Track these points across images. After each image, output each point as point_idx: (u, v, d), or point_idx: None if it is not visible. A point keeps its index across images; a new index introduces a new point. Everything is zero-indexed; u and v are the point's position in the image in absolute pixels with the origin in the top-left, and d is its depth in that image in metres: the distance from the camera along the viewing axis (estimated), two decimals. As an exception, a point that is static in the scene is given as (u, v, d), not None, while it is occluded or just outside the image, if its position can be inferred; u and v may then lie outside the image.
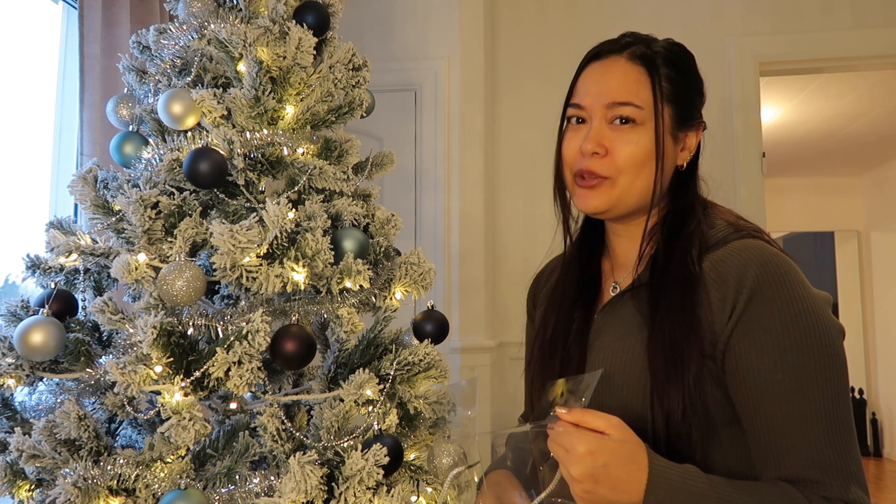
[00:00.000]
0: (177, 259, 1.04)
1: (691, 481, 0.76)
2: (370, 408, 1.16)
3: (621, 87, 0.90)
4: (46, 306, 1.12)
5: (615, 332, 0.93)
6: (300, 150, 1.28)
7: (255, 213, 1.13)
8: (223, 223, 1.05)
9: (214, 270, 1.06)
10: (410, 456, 1.30)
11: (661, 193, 0.92)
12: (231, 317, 1.13)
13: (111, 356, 1.13)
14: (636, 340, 0.89)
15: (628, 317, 0.92)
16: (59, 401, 1.17)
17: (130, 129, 1.30)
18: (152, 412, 1.08)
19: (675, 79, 0.91)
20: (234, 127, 1.22)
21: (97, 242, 1.24)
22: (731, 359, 0.83)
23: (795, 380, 0.79)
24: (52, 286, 1.19)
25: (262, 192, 1.27)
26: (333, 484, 1.06)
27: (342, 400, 1.15)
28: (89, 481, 1.00)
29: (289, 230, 1.08)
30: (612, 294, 0.98)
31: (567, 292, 1.03)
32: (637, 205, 0.92)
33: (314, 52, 1.26)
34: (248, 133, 1.22)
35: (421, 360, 1.20)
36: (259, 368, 1.02)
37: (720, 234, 0.90)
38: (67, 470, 1.02)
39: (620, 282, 0.98)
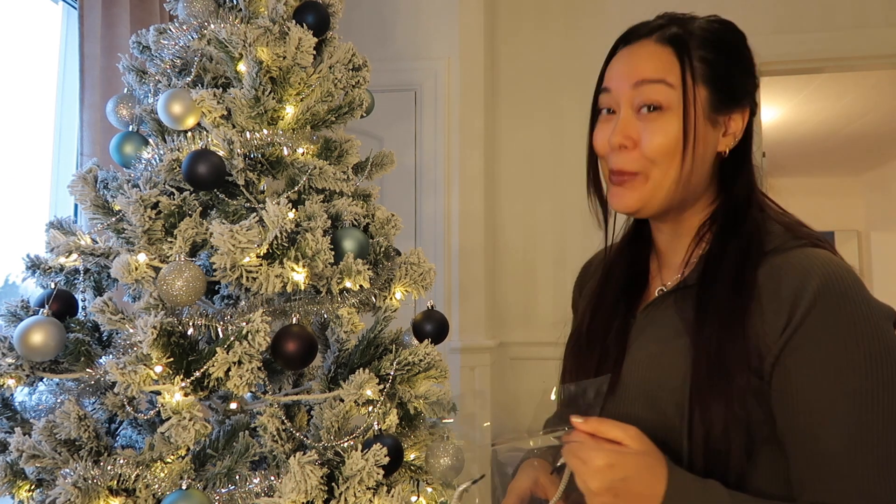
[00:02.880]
0: (177, 259, 1.04)
1: (712, 497, 0.72)
2: (370, 408, 1.16)
3: (649, 65, 0.83)
4: (46, 306, 1.12)
5: (656, 334, 0.87)
6: (300, 150, 1.28)
7: (255, 213, 1.13)
8: (223, 223, 1.05)
9: (214, 270, 1.06)
10: (410, 456, 1.30)
11: (697, 184, 0.85)
12: (231, 317, 1.13)
13: (111, 356, 1.13)
14: (676, 346, 0.82)
15: (670, 320, 0.86)
16: (59, 401, 1.17)
17: (130, 129, 1.31)
18: (152, 412, 1.08)
19: (711, 59, 0.83)
20: (234, 127, 1.22)
21: (97, 242, 1.24)
22: (780, 375, 0.75)
23: (853, 404, 0.72)
24: (52, 286, 1.19)
25: (262, 192, 1.27)
26: (333, 484, 1.06)
27: (342, 400, 1.15)
28: (89, 481, 1.00)
29: (289, 230, 1.08)
30: (658, 293, 0.91)
31: (611, 287, 0.96)
32: (674, 199, 0.85)
33: (314, 52, 1.26)
34: (248, 133, 1.22)
35: (421, 360, 1.20)
36: (259, 368, 1.02)
37: (779, 239, 0.82)
38: (67, 470, 1.02)
39: (668, 284, 0.91)
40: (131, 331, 1.07)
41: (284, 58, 1.22)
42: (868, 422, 0.72)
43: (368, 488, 1.05)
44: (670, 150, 0.81)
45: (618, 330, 0.91)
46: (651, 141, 0.81)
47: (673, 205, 0.85)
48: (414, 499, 1.30)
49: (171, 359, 1.00)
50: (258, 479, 1.08)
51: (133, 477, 1.04)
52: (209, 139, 1.19)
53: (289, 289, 1.08)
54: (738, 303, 0.78)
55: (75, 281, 1.26)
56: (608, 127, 0.86)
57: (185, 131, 1.22)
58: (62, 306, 1.19)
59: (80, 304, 1.23)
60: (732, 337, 0.77)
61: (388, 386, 1.18)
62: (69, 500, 0.97)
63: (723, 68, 0.84)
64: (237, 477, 1.08)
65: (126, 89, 1.38)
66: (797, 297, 0.74)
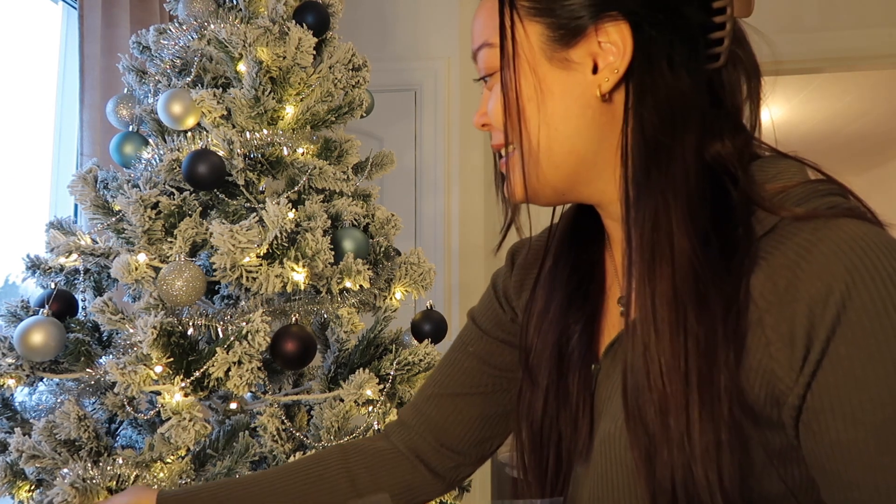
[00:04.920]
0: (177, 259, 1.04)
1: None
2: (370, 408, 1.16)
3: (476, 31, 0.66)
4: (46, 306, 1.12)
5: (618, 389, 0.60)
6: (300, 150, 1.28)
7: (255, 213, 1.13)
8: (223, 223, 1.05)
9: (214, 270, 1.06)
10: (410, 456, 1.30)
11: (582, 149, 0.59)
12: (231, 317, 1.13)
13: (111, 356, 1.13)
14: None
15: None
16: (59, 401, 1.17)
17: (130, 129, 1.31)
18: (152, 412, 1.08)
19: None
20: (233, 127, 1.22)
21: (97, 242, 1.24)
22: (808, 435, 0.50)
23: None
24: (52, 286, 1.19)
25: (262, 192, 1.27)
26: (333, 484, 1.06)
27: (342, 400, 1.15)
28: (87, 482, 1.00)
29: (289, 230, 1.08)
30: (621, 314, 0.63)
31: (554, 301, 0.68)
32: (557, 175, 0.61)
33: (314, 52, 1.26)
34: (247, 133, 1.22)
35: (421, 360, 1.20)
36: (259, 368, 1.02)
37: (771, 213, 0.52)
38: (66, 470, 1.02)
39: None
40: (131, 331, 1.07)
41: (284, 58, 1.22)
42: None
43: (368, 488, 1.05)
44: (513, 112, 0.60)
45: (579, 380, 0.65)
46: (492, 112, 0.62)
47: (568, 184, 0.62)
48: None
49: (171, 359, 1.00)
50: (258, 479, 1.08)
51: (132, 477, 1.03)
52: (209, 139, 1.19)
53: (289, 289, 1.08)
54: (725, 336, 0.51)
55: (75, 281, 1.26)
56: None
57: (185, 131, 1.22)
58: (62, 306, 1.19)
59: (80, 304, 1.23)
60: (684, 381, 0.51)
61: (388, 386, 1.18)
62: (66, 500, 0.97)
63: None
64: (237, 477, 1.08)
65: (126, 89, 1.38)
66: (814, 313, 0.48)
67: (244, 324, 1.04)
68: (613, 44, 0.57)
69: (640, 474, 0.53)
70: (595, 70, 0.58)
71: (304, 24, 1.26)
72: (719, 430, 0.50)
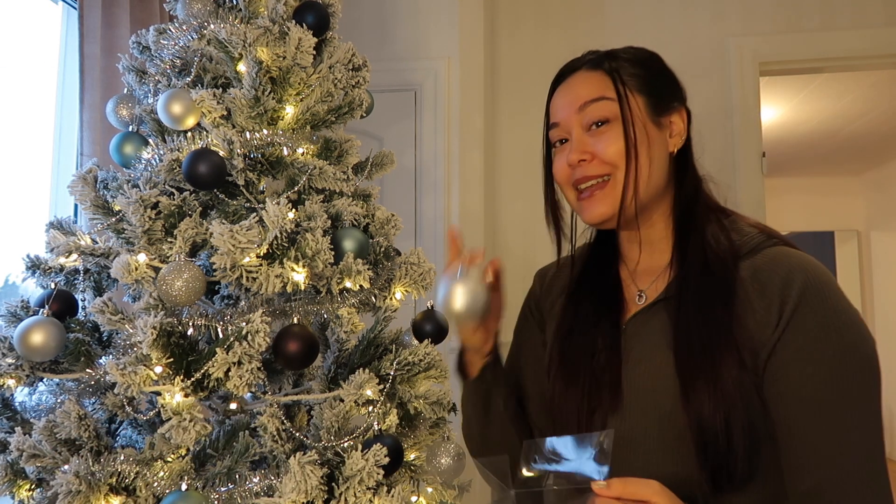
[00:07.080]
0: (176, 259, 1.04)
1: None
2: (370, 408, 1.16)
3: (587, 88, 0.92)
4: (46, 306, 1.12)
5: (650, 342, 0.89)
6: (300, 151, 1.28)
7: (255, 214, 1.13)
8: (223, 223, 1.05)
9: (214, 270, 1.06)
10: (410, 456, 1.30)
11: (657, 185, 0.92)
12: (231, 317, 1.13)
13: (111, 356, 1.13)
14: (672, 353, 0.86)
15: (663, 327, 0.89)
16: (59, 401, 1.17)
17: (130, 129, 1.30)
18: (152, 412, 1.08)
19: (639, 73, 0.93)
20: (233, 127, 1.22)
21: (97, 243, 1.24)
22: (773, 367, 0.80)
23: (837, 394, 0.76)
24: (52, 286, 1.19)
25: (262, 193, 1.27)
26: (333, 484, 1.06)
27: (342, 400, 1.15)
28: (90, 476, 1.00)
29: (289, 230, 1.08)
30: (639, 303, 0.94)
31: (584, 302, 0.99)
32: (642, 202, 0.90)
33: (314, 52, 1.26)
34: (247, 133, 1.22)
35: (421, 360, 1.20)
36: (259, 369, 1.02)
37: (752, 241, 0.88)
38: (66, 467, 1.02)
39: (646, 290, 0.95)
40: (131, 331, 1.07)
41: (284, 58, 1.22)
42: (851, 412, 0.76)
43: (368, 488, 1.05)
44: (625, 153, 0.88)
45: (606, 346, 0.92)
46: (606, 149, 0.88)
47: (641, 208, 0.90)
48: (414, 499, 1.29)
49: (171, 359, 1.00)
50: (258, 478, 1.08)
51: (133, 475, 1.04)
52: (209, 139, 1.19)
53: (289, 289, 1.08)
54: (727, 304, 0.83)
55: (75, 281, 1.26)
56: (563, 154, 0.94)
57: (185, 131, 1.22)
58: (62, 306, 1.19)
59: (80, 304, 1.23)
60: (719, 335, 0.81)
61: (388, 386, 1.18)
62: (71, 490, 0.97)
63: (652, 77, 0.93)
64: (237, 477, 1.08)
65: (126, 89, 1.38)
66: (785, 294, 0.80)
67: (244, 324, 1.04)
68: (677, 122, 0.95)
69: (686, 396, 0.81)
70: (671, 135, 0.94)
71: (304, 24, 1.26)
72: (740, 352, 0.80)
